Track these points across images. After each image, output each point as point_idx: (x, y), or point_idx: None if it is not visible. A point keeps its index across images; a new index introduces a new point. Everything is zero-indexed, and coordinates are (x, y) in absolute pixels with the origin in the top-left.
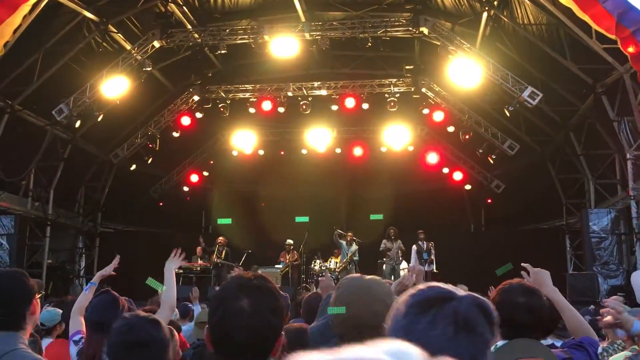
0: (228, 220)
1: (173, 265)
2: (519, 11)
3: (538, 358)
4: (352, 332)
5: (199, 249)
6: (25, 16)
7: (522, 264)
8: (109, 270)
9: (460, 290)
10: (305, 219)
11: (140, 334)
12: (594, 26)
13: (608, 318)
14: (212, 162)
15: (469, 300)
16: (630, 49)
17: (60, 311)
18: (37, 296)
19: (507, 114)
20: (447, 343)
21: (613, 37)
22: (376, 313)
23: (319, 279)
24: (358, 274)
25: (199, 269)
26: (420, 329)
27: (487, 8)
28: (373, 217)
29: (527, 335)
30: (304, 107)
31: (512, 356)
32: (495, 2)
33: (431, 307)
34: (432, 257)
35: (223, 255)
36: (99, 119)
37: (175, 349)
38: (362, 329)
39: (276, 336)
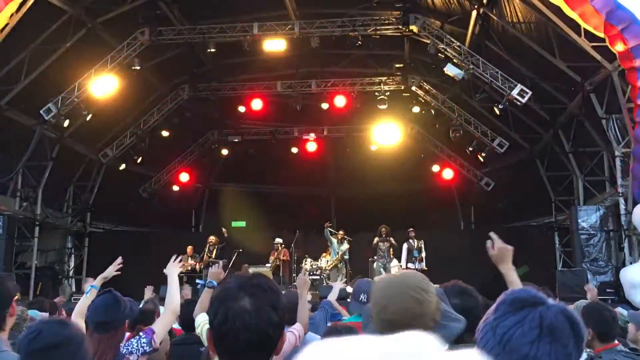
0: (242, 224)
1: (174, 270)
2: (508, 9)
3: None
4: (388, 330)
5: (189, 248)
6: (12, 15)
7: (490, 234)
8: (111, 271)
9: (552, 299)
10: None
11: (49, 337)
12: (583, 24)
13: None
14: (201, 160)
15: (558, 309)
16: (619, 47)
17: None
18: (15, 298)
19: (497, 112)
20: (528, 345)
21: (601, 35)
22: (406, 309)
23: (300, 277)
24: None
25: (189, 268)
26: (506, 325)
27: (476, 6)
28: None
29: (466, 339)
30: (294, 105)
31: None
32: (485, 1)
33: (521, 309)
34: (422, 255)
35: (214, 255)
36: (88, 118)
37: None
38: (396, 326)
39: (279, 334)
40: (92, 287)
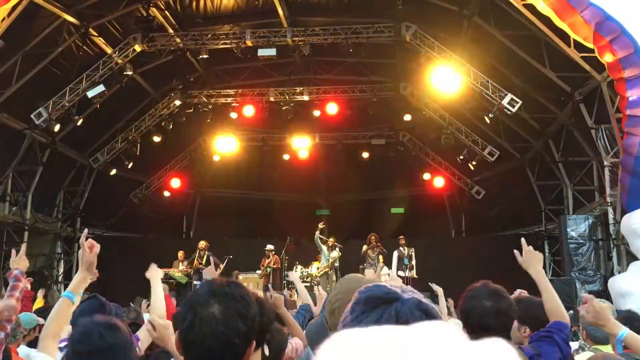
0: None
1: (156, 274)
2: (498, 19)
3: None
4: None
5: (180, 254)
6: (3, 19)
7: (522, 240)
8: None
9: (410, 293)
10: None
11: (97, 341)
12: (573, 35)
13: (587, 315)
14: (193, 166)
15: (412, 303)
16: (608, 58)
17: (39, 318)
18: None
19: (488, 121)
20: None
21: (591, 45)
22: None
23: (273, 296)
24: (354, 274)
25: (180, 274)
26: (364, 327)
27: (467, 16)
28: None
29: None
30: (286, 112)
31: None
32: (476, 10)
33: (376, 307)
34: (413, 263)
35: (204, 260)
36: (79, 123)
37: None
38: (336, 316)
39: (247, 343)
40: (66, 295)
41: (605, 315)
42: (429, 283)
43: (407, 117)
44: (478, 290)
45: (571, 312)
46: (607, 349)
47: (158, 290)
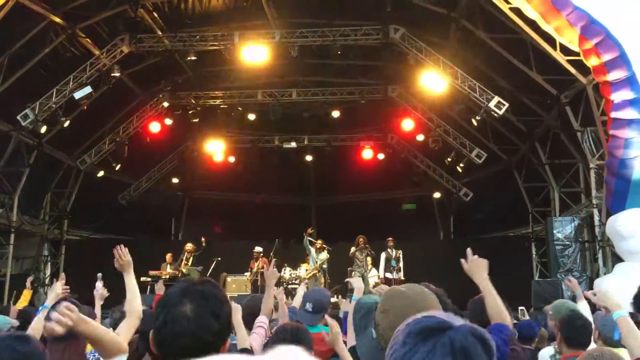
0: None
1: (130, 271)
2: (486, 22)
3: None
4: None
5: (168, 256)
6: None
7: (467, 250)
8: (58, 287)
9: (459, 319)
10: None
11: (7, 354)
12: (558, 38)
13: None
14: (181, 168)
15: (465, 330)
16: (593, 61)
17: (11, 320)
18: None
19: (475, 124)
20: None
21: (576, 49)
22: None
23: (270, 269)
24: (404, 288)
25: (168, 277)
26: (418, 357)
27: (455, 19)
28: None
29: None
30: (275, 114)
31: None
32: (464, 14)
33: (428, 337)
34: (400, 264)
35: (190, 263)
36: (66, 124)
37: None
38: None
39: (220, 342)
40: (43, 307)
41: (606, 295)
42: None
43: (396, 120)
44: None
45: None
46: (622, 352)
47: (133, 290)
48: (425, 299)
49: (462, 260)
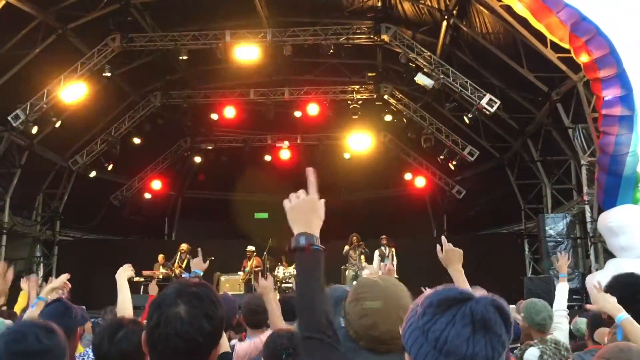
0: (265, 215)
1: (124, 274)
2: (477, 20)
3: None
4: (382, 347)
5: (160, 257)
6: None
7: (442, 237)
8: (59, 281)
9: (482, 291)
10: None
11: (33, 343)
12: (549, 35)
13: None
14: (174, 168)
15: (486, 301)
16: (583, 58)
17: (6, 321)
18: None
19: (467, 121)
20: (465, 343)
21: (567, 46)
22: (395, 332)
23: (261, 282)
24: (376, 278)
25: (161, 277)
26: (437, 328)
27: (446, 17)
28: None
29: None
30: (267, 114)
31: None
32: (455, 12)
33: (449, 307)
34: (394, 263)
35: (184, 263)
36: (57, 124)
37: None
38: (382, 343)
39: (212, 344)
40: (39, 299)
41: (605, 298)
42: (421, 288)
43: (388, 118)
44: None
45: None
46: None
47: (124, 292)
48: (397, 290)
49: (438, 248)
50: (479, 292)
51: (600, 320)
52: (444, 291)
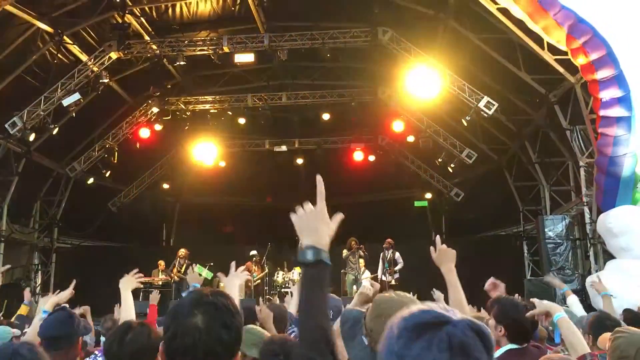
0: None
1: (129, 285)
2: (474, 23)
3: None
4: None
5: (161, 263)
6: None
7: (436, 238)
8: (65, 296)
9: (457, 313)
10: None
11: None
12: (546, 37)
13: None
14: (172, 174)
15: (464, 324)
16: (581, 60)
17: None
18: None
19: (465, 124)
20: None
21: (564, 48)
22: None
23: (263, 309)
24: (391, 294)
25: (160, 283)
26: (413, 354)
27: (443, 20)
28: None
29: None
30: (265, 118)
31: None
32: (452, 14)
33: (425, 331)
34: (395, 267)
35: (183, 269)
36: (54, 132)
37: None
38: None
39: (231, 353)
40: (44, 312)
41: (449, 260)
42: (432, 291)
43: (386, 121)
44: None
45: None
46: None
47: (128, 302)
48: (413, 302)
49: (431, 249)
50: (500, 288)
51: (603, 326)
52: (419, 314)
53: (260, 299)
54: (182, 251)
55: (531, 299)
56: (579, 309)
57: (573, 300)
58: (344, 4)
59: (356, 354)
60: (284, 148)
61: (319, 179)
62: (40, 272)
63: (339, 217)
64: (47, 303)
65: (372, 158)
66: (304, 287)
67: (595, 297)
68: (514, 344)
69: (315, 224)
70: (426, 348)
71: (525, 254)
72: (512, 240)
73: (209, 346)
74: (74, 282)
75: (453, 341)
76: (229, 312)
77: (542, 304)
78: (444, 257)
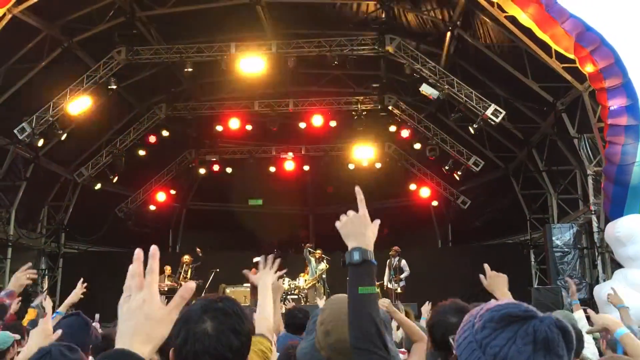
0: (259, 201)
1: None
2: (481, 31)
3: None
4: (339, 357)
5: (167, 268)
6: None
7: (485, 265)
8: (77, 295)
9: (547, 311)
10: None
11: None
12: (554, 46)
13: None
14: (178, 180)
15: (550, 321)
16: (589, 68)
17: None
18: None
19: (472, 132)
20: None
21: (572, 56)
22: (346, 340)
23: (274, 282)
24: (344, 294)
25: (166, 289)
26: (497, 344)
27: (450, 28)
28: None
29: None
30: (272, 124)
31: None
32: (459, 22)
33: (512, 324)
34: (401, 275)
35: (189, 275)
36: (63, 137)
37: None
38: (348, 352)
39: (240, 358)
40: (57, 313)
41: (502, 285)
42: (422, 308)
43: (393, 129)
44: (445, 306)
45: None
46: None
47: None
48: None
49: (481, 277)
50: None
51: None
52: (508, 306)
53: None
54: (186, 257)
55: (588, 310)
56: (584, 325)
57: (580, 316)
58: (351, 12)
59: (305, 346)
60: (290, 155)
61: (357, 189)
62: (47, 277)
63: (378, 222)
64: (62, 305)
65: (378, 165)
66: (352, 284)
67: (604, 307)
68: None
69: (360, 229)
70: (511, 339)
71: (533, 263)
72: (519, 248)
73: (219, 352)
74: (82, 280)
75: (538, 335)
76: (239, 318)
77: (600, 319)
78: (496, 283)
